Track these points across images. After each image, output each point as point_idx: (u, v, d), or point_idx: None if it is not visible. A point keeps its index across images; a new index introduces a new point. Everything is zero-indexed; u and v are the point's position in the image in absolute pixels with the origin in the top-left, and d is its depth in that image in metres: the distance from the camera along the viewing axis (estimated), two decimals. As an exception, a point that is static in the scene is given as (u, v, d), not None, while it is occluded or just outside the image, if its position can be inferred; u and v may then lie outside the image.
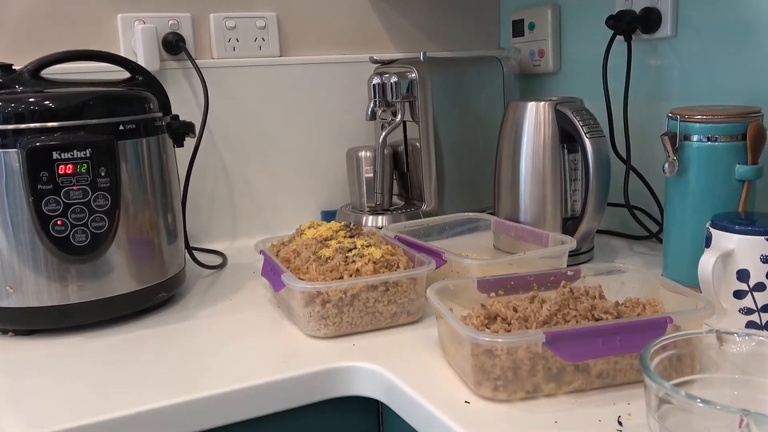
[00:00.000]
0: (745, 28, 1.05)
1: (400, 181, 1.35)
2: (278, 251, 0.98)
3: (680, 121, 0.93)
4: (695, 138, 0.92)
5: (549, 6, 1.38)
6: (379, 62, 1.31)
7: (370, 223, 1.25)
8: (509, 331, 0.73)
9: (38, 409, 0.72)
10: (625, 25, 1.17)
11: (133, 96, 0.95)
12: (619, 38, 1.18)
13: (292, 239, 1.02)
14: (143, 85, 1.00)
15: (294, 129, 1.35)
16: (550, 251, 0.98)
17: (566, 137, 1.07)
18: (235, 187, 1.32)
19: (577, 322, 0.73)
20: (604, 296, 0.80)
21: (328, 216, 1.35)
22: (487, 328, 0.74)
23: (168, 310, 0.98)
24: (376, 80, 1.24)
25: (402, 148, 1.32)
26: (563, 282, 0.82)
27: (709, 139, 0.92)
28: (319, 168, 1.38)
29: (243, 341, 0.87)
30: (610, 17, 1.18)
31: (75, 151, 0.85)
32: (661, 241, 1.15)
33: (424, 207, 1.27)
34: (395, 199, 1.33)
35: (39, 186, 0.84)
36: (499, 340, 0.68)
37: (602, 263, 1.00)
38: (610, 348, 0.69)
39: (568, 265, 0.99)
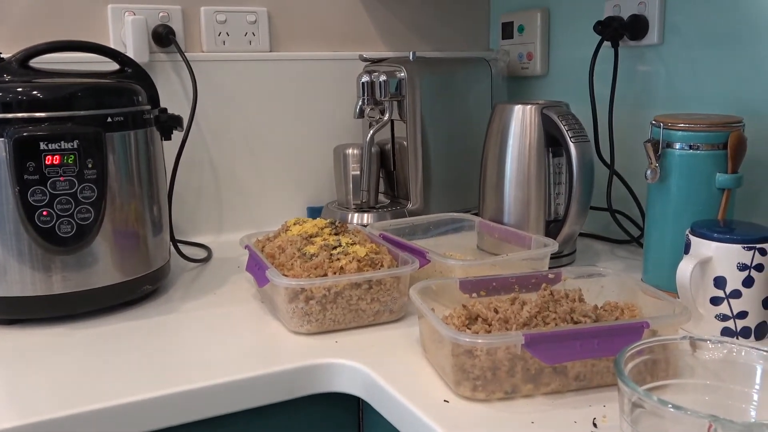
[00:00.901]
0: (730, 38, 1.07)
1: (386, 180, 1.36)
2: (263, 247, 0.99)
3: (663, 128, 0.94)
4: (677, 146, 0.94)
5: (538, 10, 1.39)
6: (368, 60, 1.32)
7: (355, 221, 1.25)
8: (490, 332, 0.74)
9: (18, 399, 0.72)
10: (612, 31, 1.18)
11: (122, 88, 0.95)
12: (607, 44, 1.19)
13: (277, 235, 1.02)
14: (132, 77, 1.00)
15: (282, 125, 1.36)
16: (532, 253, 0.99)
17: (551, 141, 1.08)
18: (222, 181, 1.32)
19: (556, 324, 0.75)
20: (583, 299, 0.81)
21: (314, 212, 1.36)
22: (468, 328, 0.75)
23: (152, 302, 0.99)
24: (365, 78, 1.25)
25: (389, 146, 1.33)
26: (544, 284, 0.83)
27: (690, 147, 0.93)
28: (305, 164, 1.39)
29: (226, 336, 0.87)
30: (598, 23, 1.19)
31: (62, 142, 0.85)
32: (641, 245, 1.17)
33: (409, 206, 1.28)
34: (381, 197, 1.34)
35: (25, 176, 0.84)
36: (479, 340, 0.69)
37: (583, 266, 1.02)
38: (587, 351, 0.70)
39: (549, 268, 1.00)
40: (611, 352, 0.70)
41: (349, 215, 1.27)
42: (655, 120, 0.96)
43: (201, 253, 1.20)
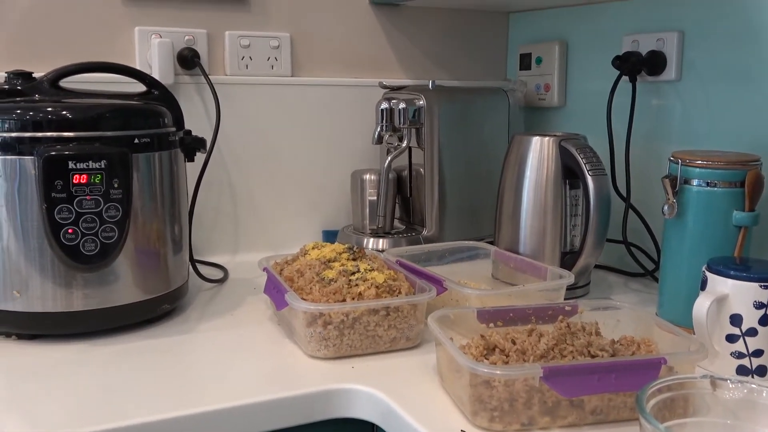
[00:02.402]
0: (746, 75, 1.08)
1: (402, 206, 1.37)
2: (281, 270, 1.00)
3: (681, 164, 0.95)
4: (695, 182, 0.95)
5: (557, 42, 1.41)
6: (388, 87, 1.33)
7: (371, 246, 1.26)
8: (507, 363, 0.75)
9: (36, 414, 0.73)
10: (630, 66, 1.19)
11: (149, 110, 0.97)
12: (624, 78, 1.21)
13: (295, 258, 1.03)
14: (158, 99, 1.02)
15: (301, 148, 1.37)
16: (548, 285, 0.99)
17: (569, 173, 1.09)
18: (239, 201, 1.34)
19: (573, 357, 0.75)
20: (600, 333, 0.82)
21: (330, 236, 1.37)
22: (486, 358, 0.75)
23: (169, 321, 1.00)
24: (385, 105, 1.26)
25: (406, 173, 1.34)
26: (561, 317, 0.84)
27: (708, 184, 0.94)
28: (323, 188, 1.40)
29: (243, 358, 0.88)
30: (617, 58, 1.21)
31: (90, 162, 0.87)
32: (656, 279, 1.17)
33: (424, 232, 1.29)
34: (396, 222, 1.35)
35: (53, 194, 0.86)
36: (497, 372, 0.70)
37: (599, 299, 1.03)
38: (604, 385, 0.70)
39: (564, 299, 1.00)
40: (628, 387, 0.71)
41: (365, 240, 1.28)
42: (673, 156, 0.98)
43: (217, 274, 1.21)
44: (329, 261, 0.98)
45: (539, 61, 1.44)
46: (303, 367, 0.86)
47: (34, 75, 0.96)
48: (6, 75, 0.95)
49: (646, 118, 1.24)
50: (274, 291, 0.95)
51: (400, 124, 1.26)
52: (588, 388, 0.70)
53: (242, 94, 1.31)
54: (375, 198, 1.28)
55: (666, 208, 0.96)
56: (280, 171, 1.36)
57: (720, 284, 0.85)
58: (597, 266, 1.27)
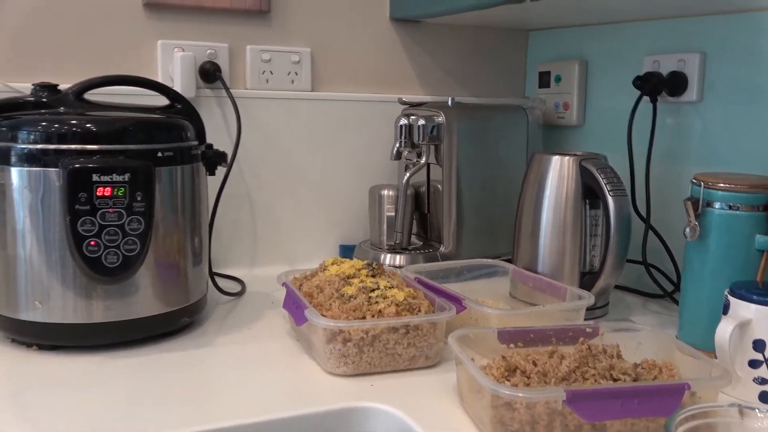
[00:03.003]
0: (767, 97, 1.08)
1: (419, 222, 1.37)
2: (301, 285, 1.00)
3: (704, 187, 0.95)
4: (717, 205, 0.94)
5: (576, 61, 1.41)
6: (407, 104, 1.34)
7: (388, 261, 1.26)
8: (528, 384, 0.74)
9: (53, 426, 0.73)
10: (651, 86, 1.19)
11: (172, 124, 0.97)
12: (645, 98, 1.20)
13: (314, 274, 1.03)
14: (181, 113, 1.03)
15: (319, 162, 1.38)
16: (568, 306, 0.99)
17: (589, 193, 1.09)
18: (257, 215, 1.34)
19: (595, 381, 0.75)
20: (621, 356, 0.82)
21: (347, 251, 1.37)
22: (507, 380, 0.75)
23: (188, 335, 1.00)
24: (404, 121, 1.27)
25: (424, 189, 1.34)
26: (582, 338, 0.84)
27: (730, 207, 0.93)
28: (340, 203, 1.40)
29: (261, 373, 0.88)
30: (638, 78, 1.21)
31: (114, 175, 0.87)
32: (675, 300, 1.17)
33: (442, 249, 1.29)
34: (413, 238, 1.35)
35: (77, 206, 0.86)
36: (520, 394, 0.70)
37: (619, 321, 1.02)
38: (628, 410, 0.70)
39: (584, 319, 1.00)
40: (652, 412, 0.70)
41: (382, 255, 1.27)
42: (695, 178, 0.97)
43: (235, 287, 1.21)
44: (348, 277, 0.98)
45: (558, 79, 1.44)
46: (322, 383, 0.85)
47: (59, 87, 0.97)
48: (32, 87, 0.96)
49: (666, 138, 1.24)
50: (294, 306, 0.95)
51: (419, 140, 1.26)
52: (611, 413, 0.69)
53: (262, 108, 1.31)
54: (393, 214, 1.28)
55: (688, 230, 0.96)
56: (298, 185, 1.37)
57: (743, 309, 0.84)
58: (615, 286, 1.27)
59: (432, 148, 1.28)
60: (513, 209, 1.19)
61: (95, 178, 0.87)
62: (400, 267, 1.19)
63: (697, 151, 1.20)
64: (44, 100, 0.95)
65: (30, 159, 0.88)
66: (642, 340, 0.88)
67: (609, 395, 0.70)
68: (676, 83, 1.20)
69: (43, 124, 0.89)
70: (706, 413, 0.61)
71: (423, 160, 1.28)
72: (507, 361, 0.77)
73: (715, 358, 0.85)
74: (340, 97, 1.38)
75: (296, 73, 1.33)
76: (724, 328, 0.84)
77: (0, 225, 0.90)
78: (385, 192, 1.30)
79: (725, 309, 0.86)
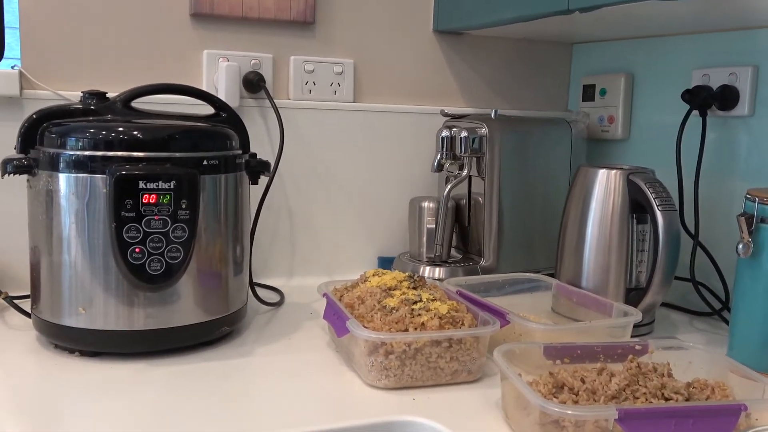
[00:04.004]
0: (825, 114, 1.05)
1: (459, 235, 1.36)
2: (341, 296, 0.99)
3: (758, 203, 0.92)
4: (772, 221, 0.91)
5: (623, 74, 1.39)
6: (449, 116, 1.33)
7: (427, 274, 1.25)
8: (577, 402, 0.72)
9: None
10: (701, 100, 1.17)
11: (217, 132, 0.98)
12: (693, 112, 1.18)
13: (355, 285, 1.02)
14: (226, 122, 1.03)
15: (360, 173, 1.37)
16: (615, 322, 0.97)
17: (636, 207, 1.06)
18: (297, 225, 1.34)
19: (647, 399, 0.73)
20: (672, 375, 0.79)
21: (386, 262, 1.36)
22: (555, 397, 0.73)
23: (227, 344, 0.99)
24: (446, 133, 1.26)
25: (465, 201, 1.33)
26: (631, 356, 0.81)
27: (785, 224, 0.91)
28: (380, 214, 1.39)
29: (300, 384, 0.87)
30: (687, 91, 1.18)
31: (160, 182, 0.88)
32: (723, 318, 1.13)
33: (482, 262, 1.27)
34: (453, 251, 1.33)
35: (122, 213, 0.87)
36: (569, 411, 0.68)
37: (668, 338, 0.99)
38: (681, 430, 0.68)
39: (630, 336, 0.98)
40: (706, 433, 0.68)
41: (421, 268, 1.26)
42: (749, 194, 0.94)
43: (274, 297, 1.21)
44: (390, 289, 0.97)
45: (603, 92, 1.42)
46: (362, 396, 0.84)
47: (107, 95, 0.97)
48: (81, 94, 0.97)
49: (715, 152, 1.21)
50: (335, 317, 0.94)
51: (461, 152, 1.25)
52: (664, 433, 0.67)
53: (304, 118, 1.31)
54: (433, 226, 1.27)
55: (741, 247, 0.93)
56: (338, 196, 1.36)
57: (800, 329, 0.81)
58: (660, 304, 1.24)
59: (474, 160, 1.27)
60: (554, 224, 1.17)
61: (141, 185, 0.87)
62: (440, 280, 1.17)
63: (747, 166, 1.17)
64: (92, 107, 0.96)
65: (77, 165, 0.88)
66: (692, 358, 0.85)
67: (662, 415, 0.68)
68: (726, 97, 1.17)
69: (91, 131, 0.90)
70: (768, 436, 0.58)
71: (465, 173, 1.26)
72: (554, 378, 0.76)
73: (770, 379, 0.82)
74: (382, 108, 1.37)
75: (339, 84, 1.33)
76: (780, 349, 0.81)
77: (46, 231, 0.91)
78: (426, 204, 1.29)
79: (781, 329, 0.84)
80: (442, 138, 1.26)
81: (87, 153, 0.88)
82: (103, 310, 0.90)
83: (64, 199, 0.89)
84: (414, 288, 0.98)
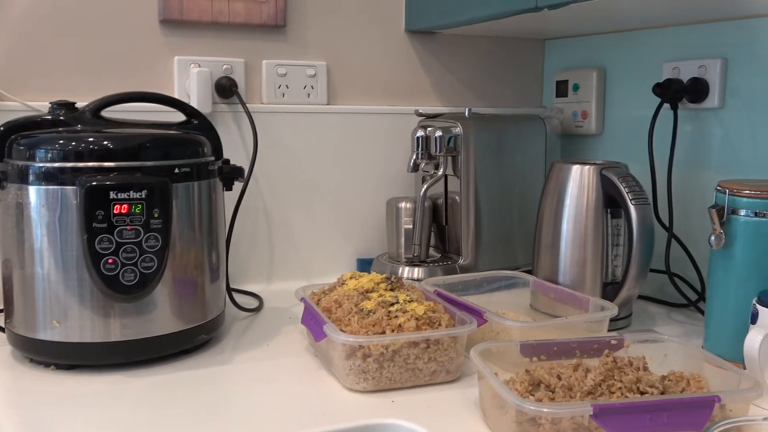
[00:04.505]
0: (793, 104, 1.06)
1: (437, 234, 1.36)
2: (319, 300, 0.99)
3: (728, 194, 0.93)
4: (743, 212, 0.92)
5: (594, 69, 1.39)
6: (423, 115, 1.33)
7: (406, 274, 1.25)
8: (553, 399, 0.73)
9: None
10: (672, 93, 1.18)
11: (189, 140, 0.97)
12: (665, 106, 1.19)
13: (333, 288, 1.02)
14: (198, 128, 1.02)
15: (336, 176, 1.37)
16: (592, 317, 0.97)
17: (610, 202, 1.07)
18: (274, 229, 1.34)
19: (622, 394, 0.73)
20: (648, 368, 0.80)
21: (365, 264, 1.36)
22: (531, 395, 0.73)
23: (206, 352, 0.99)
24: (420, 133, 1.26)
25: (442, 201, 1.33)
26: (607, 351, 0.82)
27: (756, 214, 0.91)
28: (357, 216, 1.39)
29: (279, 390, 0.87)
30: (657, 85, 1.19)
31: (131, 192, 0.87)
32: (699, 310, 1.14)
33: (460, 261, 1.28)
34: (432, 251, 1.34)
35: (94, 224, 0.86)
36: (545, 409, 0.68)
37: (643, 332, 1.00)
38: (657, 424, 0.68)
39: (606, 330, 0.98)
40: (681, 426, 0.68)
41: (400, 268, 1.26)
42: (719, 186, 0.95)
43: (252, 302, 1.21)
44: (367, 291, 0.97)
45: (576, 88, 1.43)
46: (341, 400, 0.84)
47: (76, 105, 0.97)
48: (50, 105, 0.96)
49: (687, 145, 1.22)
50: (312, 322, 0.94)
51: (436, 151, 1.25)
52: (639, 427, 0.68)
53: (278, 122, 1.31)
54: (410, 226, 1.27)
55: (713, 238, 0.94)
56: (315, 199, 1.36)
57: (772, 318, 0.82)
58: (637, 296, 1.25)
59: (449, 159, 1.27)
60: (532, 220, 1.18)
61: (112, 195, 0.86)
62: (418, 280, 1.17)
63: (719, 158, 1.18)
64: (62, 118, 0.95)
65: (47, 177, 0.87)
66: (668, 351, 0.86)
67: (637, 409, 0.68)
68: (697, 90, 1.18)
69: (60, 142, 0.89)
70: (740, 428, 0.59)
71: (440, 172, 1.27)
72: (531, 375, 0.76)
73: (744, 368, 0.83)
74: (356, 110, 1.37)
75: (312, 87, 1.33)
76: (753, 338, 0.82)
77: (18, 244, 0.90)
78: (403, 204, 1.29)
79: (753, 318, 0.84)
80: (417, 138, 1.26)
81: (56, 165, 0.88)
82: (78, 323, 0.90)
83: (35, 211, 0.88)
84: (391, 290, 0.98)
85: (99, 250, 0.87)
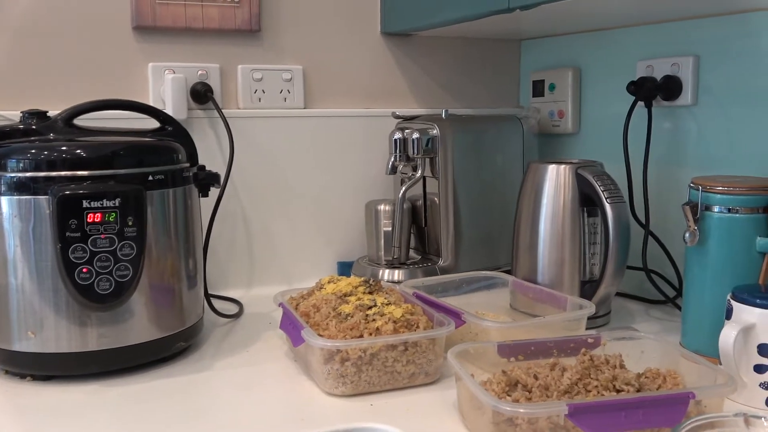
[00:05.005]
0: (764, 100, 1.07)
1: (417, 236, 1.36)
2: (297, 305, 0.99)
3: (702, 191, 0.94)
4: (716, 209, 0.93)
5: (570, 68, 1.40)
6: (401, 117, 1.33)
7: (386, 277, 1.25)
8: (530, 399, 0.73)
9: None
10: (646, 92, 1.18)
11: (162, 147, 0.97)
12: (639, 103, 1.19)
13: (311, 293, 1.02)
14: (172, 135, 1.02)
15: (314, 180, 1.37)
16: (569, 316, 0.98)
17: (586, 201, 1.08)
18: (254, 234, 1.33)
19: (598, 392, 0.73)
20: (624, 366, 0.80)
21: (345, 267, 1.36)
22: (508, 395, 0.74)
23: (184, 359, 0.98)
24: (398, 135, 1.26)
25: (421, 202, 1.33)
26: (583, 349, 0.82)
27: (729, 210, 0.92)
28: (337, 219, 1.39)
29: (259, 396, 0.87)
30: (632, 83, 1.20)
31: (105, 200, 0.86)
32: (677, 306, 1.15)
33: (440, 262, 1.28)
34: (412, 253, 1.34)
35: (67, 233, 0.85)
36: (521, 410, 0.68)
37: (621, 329, 1.01)
38: (632, 422, 0.69)
39: (586, 329, 0.99)
40: (657, 423, 0.69)
41: (380, 271, 1.26)
42: (693, 182, 0.96)
43: (232, 308, 1.20)
44: (345, 295, 0.97)
45: (552, 87, 1.44)
46: (320, 405, 0.84)
47: (48, 114, 0.96)
48: (21, 114, 0.95)
49: (663, 143, 1.23)
50: (290, 327, 0.94)
51: (414, 153, 1.25)
52: (615, 425, 0.68)
53: (255, 127, 1.31)
54: (390, 229, 1.27)
55: (687, 235, 0.94)
56: (294, 203, 1.36)
57: (746, 313, 0.83)
58: (617, 293, 1.25)
59: (427, 161, 1.27)
60: (511, 220, 1.18)
61: (85, 204, 0.86)
62: (398, 282, 1.17)
63: (694, 154, 1.19)
64: (33, 127, 0.94)
65: (19, 187, 0.87)
66: (645, 348, 0.87)
67: (612, 407, 0.68)
68: (670, 87, 1.19)
69: (32, 151, 0.88)
70: (712, 423, 0.59)
71: (418, 174, 1.27)
72: (507, 376, 0.76)
73: (720, 364, 0.84)
74: (333, 113, 1.37)
75: (289, 91, 1.33)
76: (728, 334, 0.82)
77: (-9, 255, 0.89)
78: (382, 207, 1.29)
79: (728, 314, 0.85)
80: (395, 140, 1.26)
81: (28, 174, 0.87)
82: (54, 333, 0.89)
83: (7, 221, 0.88)
84: (370, 293, 0.99)
85: (73, 259, 0.86)
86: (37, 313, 0.88)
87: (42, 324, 0.88)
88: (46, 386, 0.90)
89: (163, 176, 0.93)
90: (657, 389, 0.76)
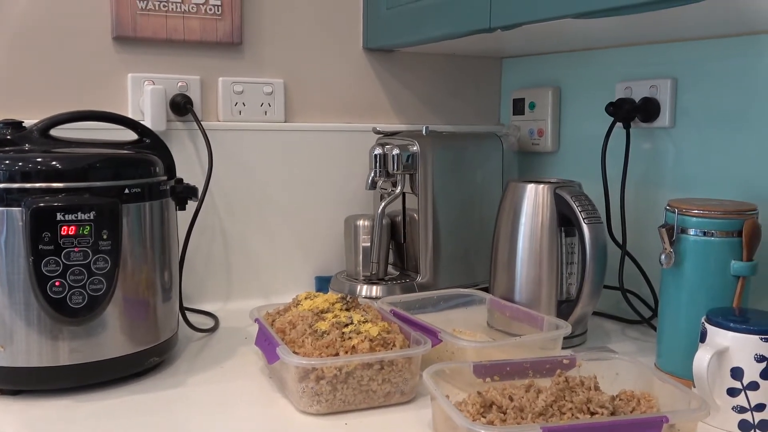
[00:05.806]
0: (741, 121, 1.09)
1: (396, 251, 1.36)
2: (273, 321, 0.98)
3: (678, 213, 0.95)
4: (692, 231, 0.94)
5: (550, 88, 1.41)
6: (381, 133, 1.33)
7: (364, 293, 1.24)
8: (505, 420, 0.73)
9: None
10: (624, 113, 1.20)
11: (139, 160, 0.96)
12: (618, 124, 1.20)
13: (288, 309, 1.01)
14: (150, 147, 1.01)
15: (294, 194, 1.36)
16: (545, 336, 0.98)
17: (564, 221, 1.08)
18: (232, 248, 1.32)
19: (573, 414, 0.73)
20: (599, 387, 0.80)
21: (323, 282, 1.35)
22: (483, 416, 0.74)
23: (158, 375, 0.97)
24: (378, 151, 1.26)
25: (400, 218, 1.33)
26: (558, 371, 0.82)
27: (705, 234, 0.93)
28: (316, 234, 1.39)
29: (233, 413, 0.86)
30: (610, 104, 1.21)
31: (79, 213, 0.85)
32: (653, 326, 1.16)
33: (419, 279, 1.28)
34: (390, 268, 1.33)
35: (40, 246, 0.84)
36: (496, 432, 0.68)
37: (597, 350, 1.01)
38: (605, 445, 0.69)
39: (562, 347, 0.99)
40: (630, 447, 0.69)
41: (358, 287, 1.26)
42: (669, 205, 0.97)
43: (208, 322, 1.19)
44: (322, 312, 0.96)
45: (532, 106, 1.44)
46: (294, 424, 0.83)
47: (24, 124, 0.95)
48: (-5, 124, 0.94)
49: (641, 164, 1.24)
50: (266, 343, 0.93)
51: (393, 169, 1.25)
52: (588, 449, 0.68)
53: (235, 140, 1.30)
54: (368, 244, 1.27)
55: (663, 257, 0.95)
56: (273, 217, 1.35)
57: (720, 337, 0.83)
58: (594, 313, 1.26)
59: (407, 177, 1.27)
60: (490, 237, 1.18)
61: (59, 216, 0.85)
62: (376, 298, 1.17)
63: (672, 176, 1.20)
64: (8, 137, 0.93)
65: (-8, 198, 0.86)
66: (620, 369, 0.87)
67: (586, 430, 0.68)
68: (648, 109, 1.20)
69: (6, 162, 0.87)
70: (684, 449, 0.59)
71: (398, 190, 1.27)
72: (483, 397, 0.76)
73: (694, 386, 0.84)
74: (313, 127, 1.37)
75: (269, 105, 1.32)
76: (702, 357, 0.83)
77: (-39, 267, 0.88)
78: (361, 222, 1.29)
79: (702, 337, 0.86)
80: (375, 155, 1.26)
81: (1, 185, 0.86)
82: (24, 347, 0.87)
83: (-20, 233, 0.86)
84: (347, 310, 0.98)
85: (45, 272, 0.85)
86: (8, 326, 0.87)
87: (12, 337, 0.87)
88: (15, 401, 0.88)
89: (139, 189, 0.92)
90: (631, 412, 0.76)
